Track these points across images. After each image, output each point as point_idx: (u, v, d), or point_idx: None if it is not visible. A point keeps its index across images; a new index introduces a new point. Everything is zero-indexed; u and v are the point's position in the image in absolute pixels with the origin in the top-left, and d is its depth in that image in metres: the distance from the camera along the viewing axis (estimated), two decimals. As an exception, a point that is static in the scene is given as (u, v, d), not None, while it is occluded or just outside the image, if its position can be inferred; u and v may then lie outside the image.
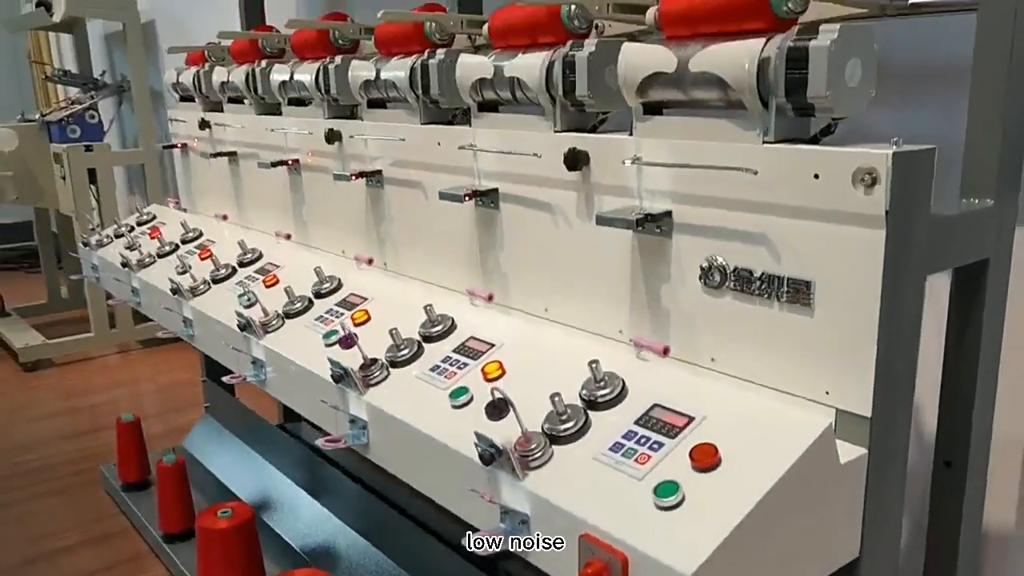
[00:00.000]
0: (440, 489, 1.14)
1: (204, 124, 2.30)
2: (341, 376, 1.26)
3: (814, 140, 0.98)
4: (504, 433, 1.01)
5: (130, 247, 2.19)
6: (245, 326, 1.54)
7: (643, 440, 0.96)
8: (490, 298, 1.37)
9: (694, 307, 1.09)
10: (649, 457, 0.94)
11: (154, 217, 2.45)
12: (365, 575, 1.92)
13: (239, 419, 2.58)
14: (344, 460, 2.47)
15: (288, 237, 1.95)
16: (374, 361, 1.27)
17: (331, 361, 1.27)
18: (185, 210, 2.54)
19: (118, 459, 2.45)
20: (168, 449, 2.62)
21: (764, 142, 0.98)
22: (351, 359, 1.28)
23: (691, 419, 0.97)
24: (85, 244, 2.47)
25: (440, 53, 1.45)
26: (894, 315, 0.92)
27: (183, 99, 2.51)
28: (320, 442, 1.24)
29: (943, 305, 1.11)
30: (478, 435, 1.00)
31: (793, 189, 0.96)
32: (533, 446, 0.99)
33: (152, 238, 2.25)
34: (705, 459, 0.90)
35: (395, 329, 1.29)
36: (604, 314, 1.22)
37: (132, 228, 2.41)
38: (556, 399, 1.02)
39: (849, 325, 0.94)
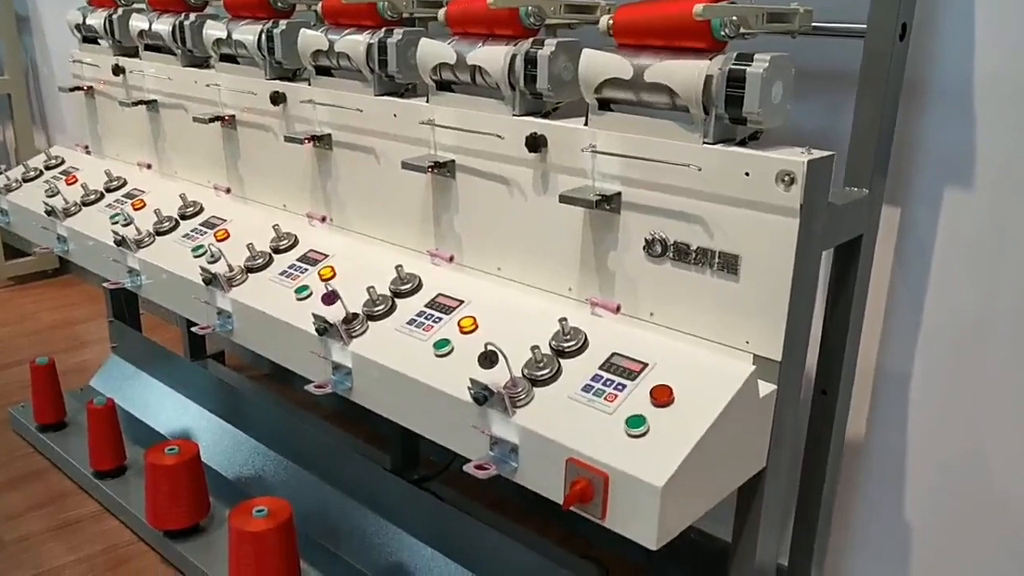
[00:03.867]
0: (430, 426, 1.34)
1: (118, 70, 2.31)
2: (325, 329, 1.43)
3: (743, 143, 1.23)
4: (491, 378, 1.23)
5: (50, 193, 2.20)
6: (210, 280, 1.66)
7: (608, 382, 1.21)
8: (451, 259, 1.57)
9: (637, 272, 1.34)
10: (616, 396, 1.18)
11: (63, 161, 2.44)
12: (304, 500, 2.09)
13: (151, 358, 2.65)
14: (259, 394, 2.61)
15: (227, 191, 2.04)
16: (355, 315, 1.45)
17: (315, 316, 1.43)
18: (90, 152, 2.53)
19: (33, 401, 2.48)
20: (78, 392, 2.67)
21: (704, 143, 1.22)
22: (332, 313, 1.45)
23: (645, 365, 1.22)
24: (-12, 186, 2.43)
25: (398, 33, 1.60)
26: (800, 283, 1.20)
27: (86, 40, 2.48)
28: (310, 388, 1.41)
29: (824, 270, 1.41)
30: (472, 380, 1.21)
31: (727, 182, 1.20)
32: (519, 389, 1.21)
33: (70, 184, 2.26)
34: (663, 397, 1.15)
35: (372, 287, 1.47)
36: (556, 275, 1.44)
37: (41, 172, 2.39)
38: (535, 350, 1.24)
39: (767, 290, 1.20)
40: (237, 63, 1.98)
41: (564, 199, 1.32)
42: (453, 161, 1.54)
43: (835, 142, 1.49)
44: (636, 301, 1.35)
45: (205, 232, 1.86)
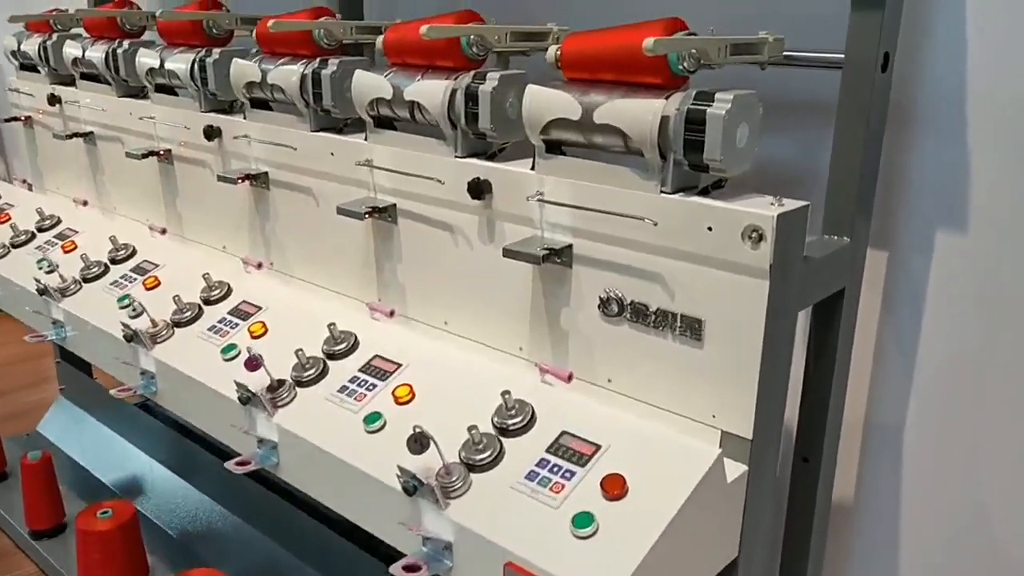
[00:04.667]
0: (359, 511, 1.19)
1: (54, 99, 2.16)
2: (248, 399, 1.28)
3: (705, 191, 1.08)
4: (424, 462, 1.08)
5: (-23, 234, 2.05)
6: (132, 337, 1.51)
7: (555, 468, 1.06)
8: (391, 314, 1.42)
9: (593, 332, 1.19)
10: (563, 486, 1.03)
11: (-1, 197, 2.29)
12: (248, 557, 1.95)
13: (99, 401, 2.50)
14: (211, 443, 2.46)
15: (163, 232, 1.89)
16: (281, 383, 1.30)
17: (238, 384, 1.29)
18: (31, 187, 2.39)
19: (-31, 453, 2.32)
20: (24, 437, 2.52)
21: (661, 191, 1.07)
22: (256, 379, 1.30)
23: (597, 447, 1.07)
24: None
25: (333, 64, 1.45)
26: (772, 350, 1.05)
27: (23, 67, 2.33)
28: (230, 465, 1.26)
29: (802, 324, 1.26)
30: (401, 469, 1.06)
31: (688, 237, 1.06)
32: (454, 478, 1.06)
33: (1, 223, 2.11)
34: (614, 489, 1.00)
35: (300, 350, 1.32)
36: (505, 332, 1.29)
37: (-27, 209, 2.24)
38: (473, 431, 1.09)
39: (734, 359, 1.06)
40: (175, 94, 1.83)
41: (508, 253, 1.17)
42: (394, 205, 1.40)
43: (811, 181, 1.35)
44: (592, 364, 1.20)
45: (135, 279, 1.71)
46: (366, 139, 1.42)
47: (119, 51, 1.89)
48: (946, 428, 1.37)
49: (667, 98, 1.05)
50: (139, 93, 1.94)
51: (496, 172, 1.23)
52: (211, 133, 1.69)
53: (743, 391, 1.06)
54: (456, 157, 1.29)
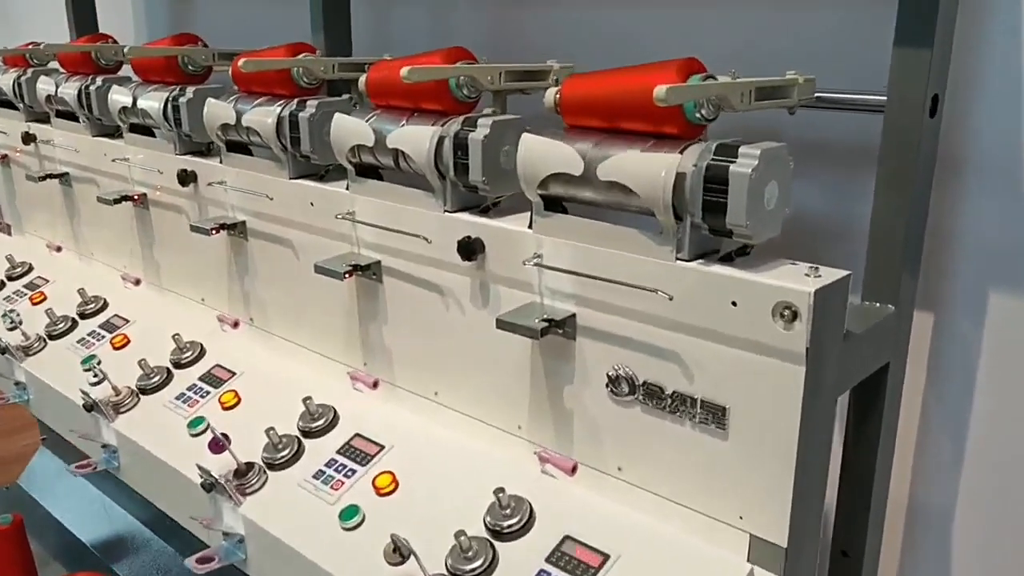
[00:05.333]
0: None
1: (29, 138, 2.03)
2: (211, 486, 1.13)
3: (728, 258, 0.93)
4: (406, 573, 0.93)
5: (-57, 283, 1.92)
6: (92, 407, 1.37)
7: (557, 584, 0.91)
8: (375, 385, 1.27)
9: (600, 414, 1.04)
10: (562, 607, 0.88)
11: (-27, 241, 2.17)
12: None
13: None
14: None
15: (137, 282, 1.75)
16: (250, 467, 1.15)
17: (201, 469, 1.14)
18: (10, 230, 2.26)
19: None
20: (12, 487, 2.38)
21: (677, 258, 0.93)
22: (223, 462, 1.15)
23: (606, 558, 0.92)
24: None
25: (311, 105, 1.31)
26: (808, 443, 0.90)
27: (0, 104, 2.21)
28: (190, 563, 1.12)
29: (841, 401, 1.11)
30: (377, 582, 0.92)
31: (708, 312, 0.91)
32: (439, 594, 0.92)
33: (-28, 271, 1.99)
34: (626, 615, 0.85)
35: (272, 429, 1.17)
36: (502, 407, 1.14)
37: (-56, 254, 2.12)
38: (461, 538, 0.94)
39: (764, 453, 0.91)
40: (151, 134, 1.70)
41: (502, 325, 1.03)
42: (379, 263, 1.25)
43: (846, 234, 1.20)
44: (600, 450, 1.05)
45: (102, 337, 1.57)
46: (347, 188, 1.28)
47: (91, 88, 1.76)
48: (999, 514, 1.21)
49: (682, 151, 0.91)
50: (114, 133, 1.82)
51: (489, 230, 1.09)
52: (185, 178, 1.55)
53: (776, 491, 0.90)
54: (445, 211, 1.15)
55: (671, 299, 0.91)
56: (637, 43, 1.39)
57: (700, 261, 0.92)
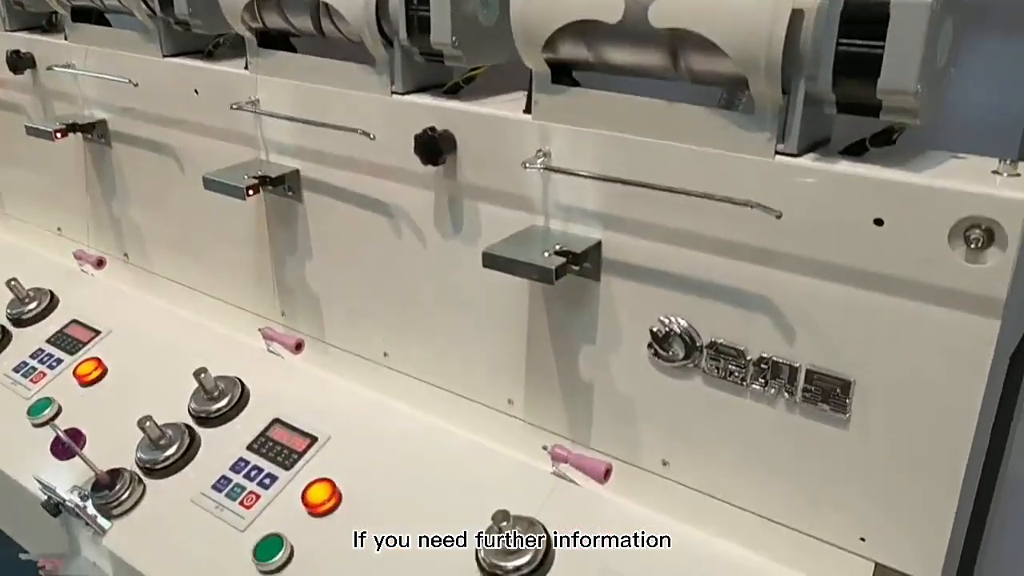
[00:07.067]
0: None
1: None
2: (58, 507, 0.77)
3: (858, 149, 0.59)
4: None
5: None
6: None
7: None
8: (298, 347, 0.90)
9: (637, 386, 0.72)
10: None
11: None
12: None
13: None
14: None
15: (-32, 209, 1.33)
16: (117, 476, 0.78)
17: (41, 484, 0.77)
18: None
19: None
20: None
21: (779, 152, 0.58)
22: (74, 471, 0.79)
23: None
24: None
25: (189, -53, 0.91)
26: (982, 431, 0.59)
27: None
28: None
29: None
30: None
31: (830, 234, 0.58)
32: None
33: None
34: None
35: (149, 419, 0.80)
36: (485, 375, 0.81)
37: None
38: (450, 598, 0.60)
39: (915, 447, 0.59)
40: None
41: (491, 261, 0.67)
42: (296, 172, 0.88)
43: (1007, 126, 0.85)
44: (636, 437, 0.72)
45: (-84, 285, 1.15)
46: (247, 67, 0.89)
47: None
48: None
49: (795, -21, 0.55)
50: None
51: (464, 118, 0.74)
52: (18, 63, 1.13)
53: (929, 504, 0.60)
54: (393, 93, 0.78)
55: (779, 216, 0.57)
56: None
57: (813, 155, 0.59)
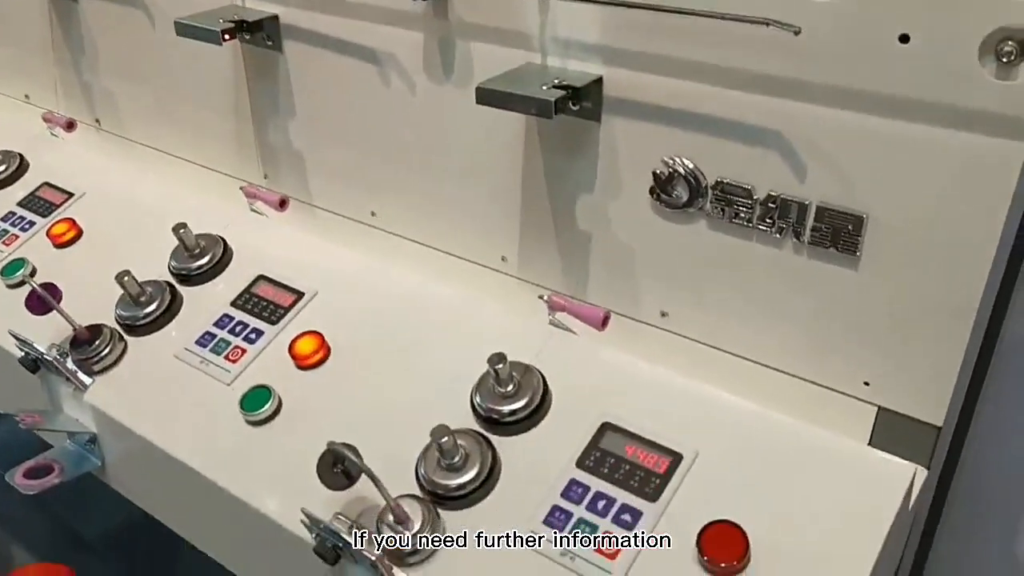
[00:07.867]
0: (233, 556, 0.70)
1: None
2: (36, 363, 0.74)
3: (883, -35, 0.55)
4: (345, 501, 0.58)
5: None
6: None
7: (599, 501, 0.57)
8: (282, 204, 0.87)
9: (636, 236, 0.69)
10: (616, 546, 0.55)
11: None
12: None
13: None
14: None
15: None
16: (96, 331, 0.76)
17: (17, 339, 0.74)
18: None
19: None
20: None
21: (799, -31, 0.54)
22: (53, 328, 0.76)
23: (676, 456, 0.58)
24: None
25: None
26: (997, 267, 0.56)
27: None
28: (14, 480, 0.73)
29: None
30: (309, 517, 0.56)
31: (852, 57, 0.54)
32: (410, 529, 0.57)
33: None
34: (724, 556, 0.52)
35: (128, 273, 0.77)
36: (477, 232, 0.78)
37: None
38: (441, 439, 0.58)
39: (925, 286, 0.57)
40: None
41: (485, 95, 0.63)
42: (275, 18, 0.82)
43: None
44: (635, 287, 0.70)
45: None
46: None
47: None
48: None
49: None
50: None
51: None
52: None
53: (938, 345, 0.58)
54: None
55: (797, 32, 0.53)
56: None
57: (837, -29, 0.54)
